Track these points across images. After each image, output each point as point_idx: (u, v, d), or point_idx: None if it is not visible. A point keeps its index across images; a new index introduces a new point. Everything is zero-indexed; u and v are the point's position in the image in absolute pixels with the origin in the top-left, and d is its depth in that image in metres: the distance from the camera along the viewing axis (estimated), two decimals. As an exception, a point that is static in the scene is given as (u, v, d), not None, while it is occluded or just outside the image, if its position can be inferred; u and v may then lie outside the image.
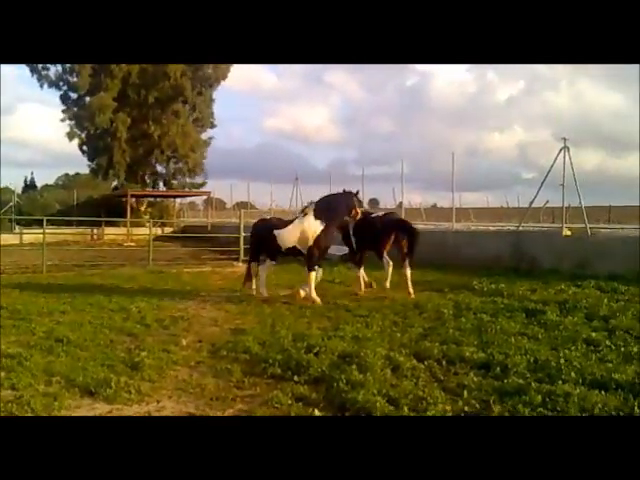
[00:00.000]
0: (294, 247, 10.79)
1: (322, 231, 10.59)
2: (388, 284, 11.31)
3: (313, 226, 10.59)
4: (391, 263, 11.35)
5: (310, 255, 10.61)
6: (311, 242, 10.56)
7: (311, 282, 10.40)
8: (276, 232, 10.86)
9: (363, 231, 11.46)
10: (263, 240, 11.19)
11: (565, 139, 14.00)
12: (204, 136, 46.49)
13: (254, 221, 12.79)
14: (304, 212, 11.05)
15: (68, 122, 42.95)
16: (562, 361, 5.69)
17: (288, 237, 10.78)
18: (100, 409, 4.84)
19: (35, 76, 41.75)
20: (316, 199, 11.15)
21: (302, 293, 10.61)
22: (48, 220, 20.24)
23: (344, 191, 11.29)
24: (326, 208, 10.78)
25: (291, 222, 11.02)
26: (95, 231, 32.39)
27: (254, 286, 11.31)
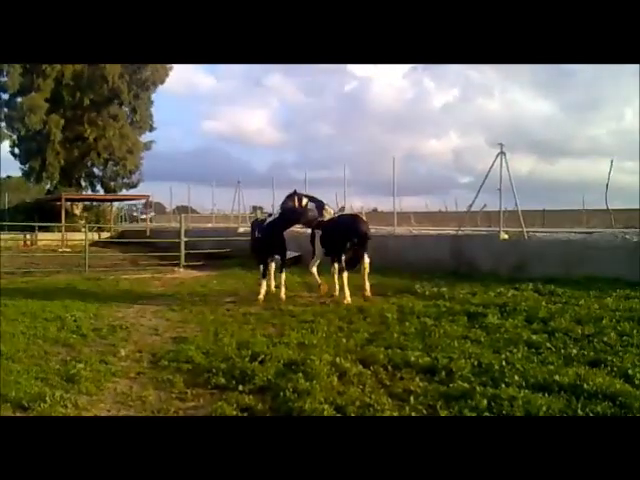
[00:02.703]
0: None
1: None
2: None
3: None
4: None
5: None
6: None
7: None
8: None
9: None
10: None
11: (502, 145, 14.32)
12: (143, 139, 45.74)
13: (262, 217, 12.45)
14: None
15: (-1, 123, 41.38)
16: (505, 364, 5.77)
17: None
18: (34, 426, 4.59)
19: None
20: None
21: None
22: (-23, 225, 19.34)
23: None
24: None
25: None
26: (28, 236, 31.16)
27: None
